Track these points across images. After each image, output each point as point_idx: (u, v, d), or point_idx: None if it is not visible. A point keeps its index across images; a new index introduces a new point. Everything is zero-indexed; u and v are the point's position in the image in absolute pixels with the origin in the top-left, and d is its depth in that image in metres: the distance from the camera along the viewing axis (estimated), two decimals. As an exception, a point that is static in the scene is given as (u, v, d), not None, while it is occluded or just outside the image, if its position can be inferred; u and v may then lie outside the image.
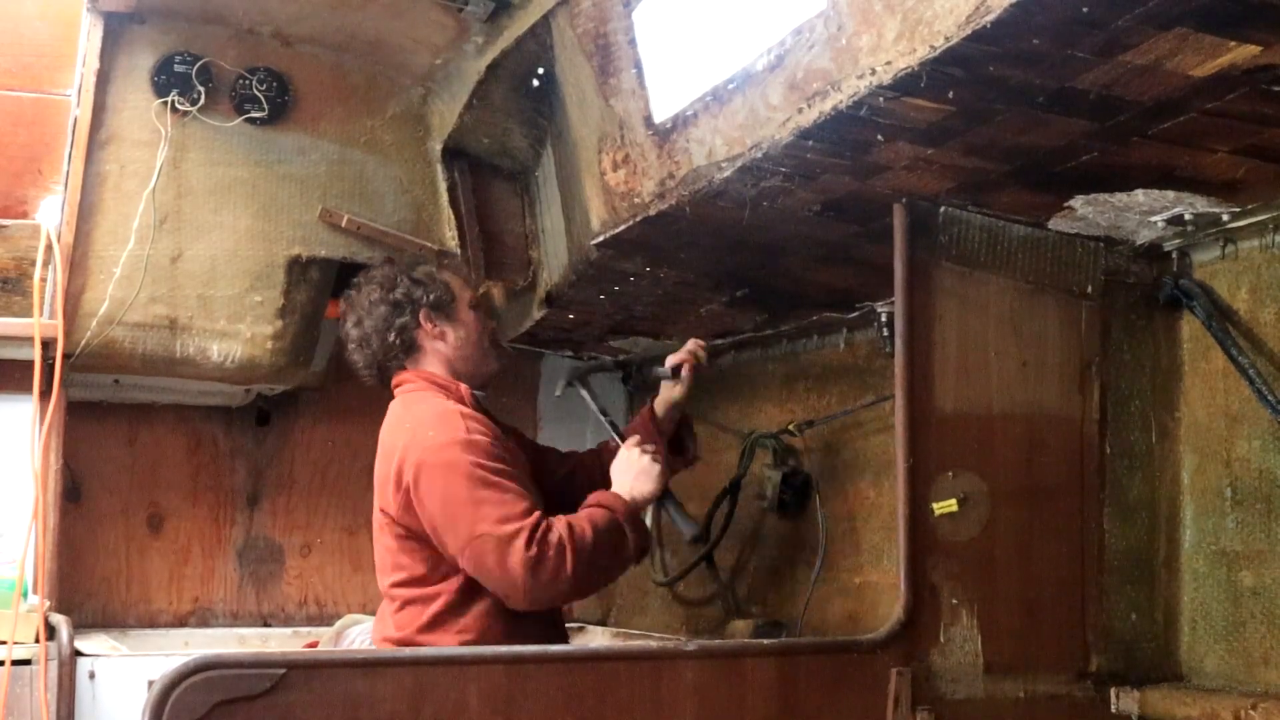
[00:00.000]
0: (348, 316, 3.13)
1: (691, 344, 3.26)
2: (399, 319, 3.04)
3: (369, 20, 3.40)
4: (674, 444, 3.28)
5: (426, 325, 3.05)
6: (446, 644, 2.79)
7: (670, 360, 3.24)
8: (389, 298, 3.05)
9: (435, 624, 2.82)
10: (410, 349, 3.06)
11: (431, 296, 3.05)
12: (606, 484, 3.00)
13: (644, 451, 3.00)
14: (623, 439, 3.14)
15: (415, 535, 2.85)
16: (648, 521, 4.07)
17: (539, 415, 4.33)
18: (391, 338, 3.04)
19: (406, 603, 2.87)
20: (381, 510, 2.93)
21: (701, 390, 3.93)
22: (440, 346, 3.06)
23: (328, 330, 3.88)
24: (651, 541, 3.03)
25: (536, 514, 2.74)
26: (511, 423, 3.36)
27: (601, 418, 3.27)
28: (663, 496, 3.04)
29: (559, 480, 3.24)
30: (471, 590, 2.81)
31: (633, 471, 2.96)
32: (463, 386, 3.02)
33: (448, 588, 2.83)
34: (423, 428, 2.85)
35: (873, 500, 3.33)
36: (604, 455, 3.22)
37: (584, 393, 3.30)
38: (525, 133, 3.57)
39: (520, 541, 2.68)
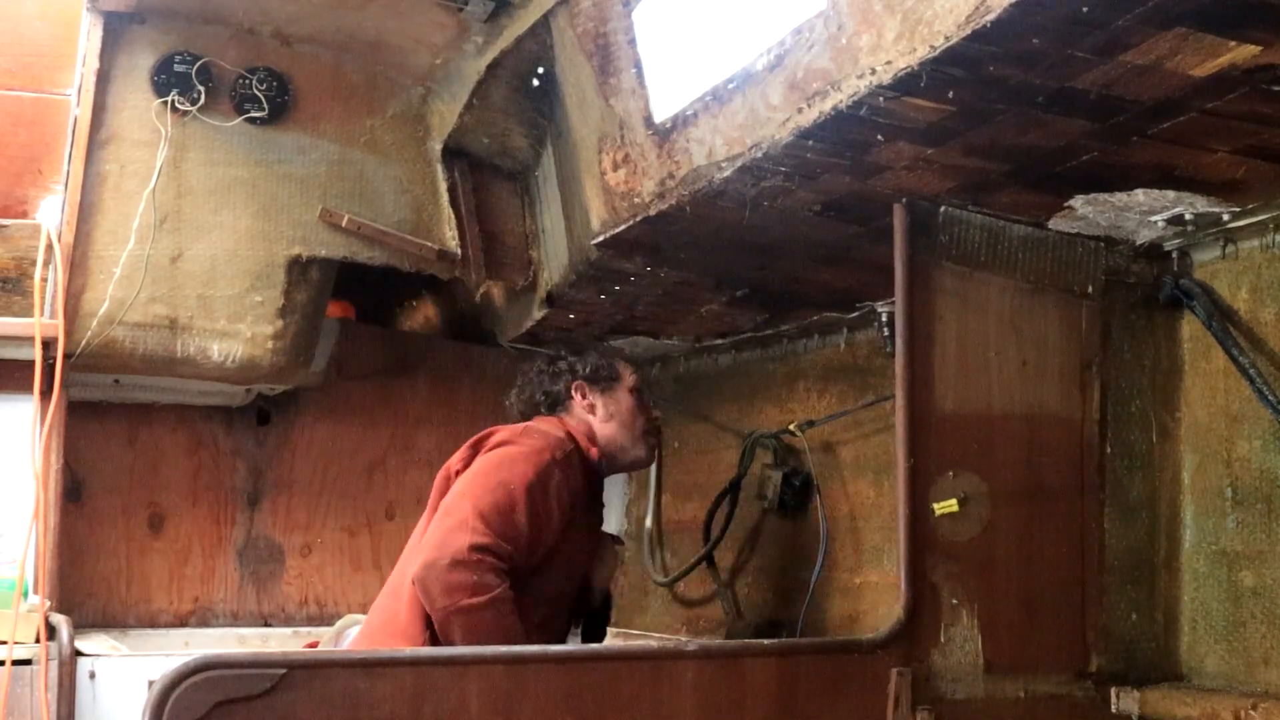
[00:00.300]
0: (513, 388, 3.29)
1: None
2: (552, 386, 3.18)
3: (369, 20, 3.40)
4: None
5: (577, 396, 3.16)
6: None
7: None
8: (550, 369, 3.20)
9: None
10: (555, 407, 3.17)
11: (588, 369, 3.16)
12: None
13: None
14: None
15: None
16: (648, 523, 4.10)
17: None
18: (537, 396, 3.18)
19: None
20: (454, 473, 2.99)
21: (702, 390, 3.93)
22: (588, 418, 3.16)
23: (328, 330, 3.89)
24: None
25: (509, 550, 2.78)
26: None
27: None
28: None
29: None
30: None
31: None
32: (594, 450, 3.09)
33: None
34: (529, 433, 2.97)
35: (873, 500, 3.33)
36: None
37: None
38: (525, 133, 3.57)
39: (470, 548, 2.73)
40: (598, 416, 3.16)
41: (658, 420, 3.31)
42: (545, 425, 3.08)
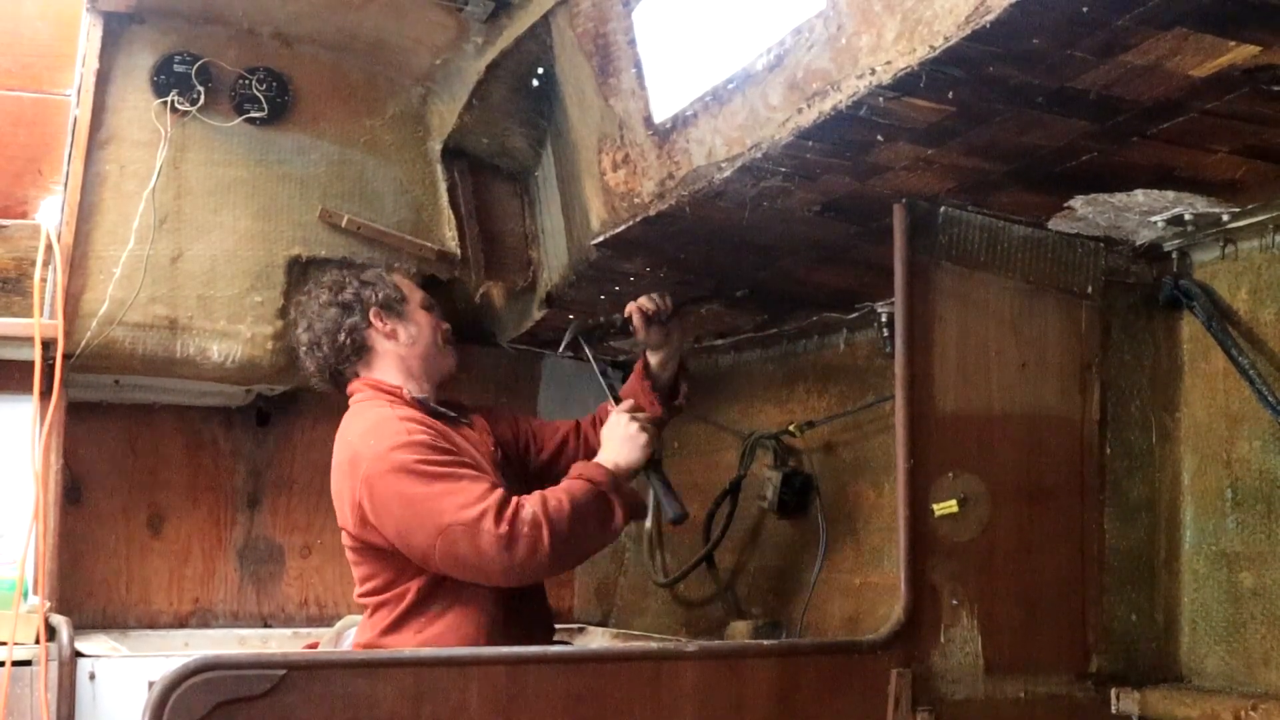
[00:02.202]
0: (298, 322, 3.17)
1: (640, 301, 3.14)
2: (348, 319, 3.06)
3: (369, 20, 3.40)
4: (670, 391, 3.24)
5: (377, 324, 3.06)
6: (407, 643, 2.80)
7: (625, 310, 3.15)
8: (338, 299, 3.08)
9: (399, 624, 2.85)
10: (361, 350, 3.06)
11: (380, 295, 3.06)
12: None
13: (633, 418, 2.95)
14: (619, 401, 3.09)
15: (374, 549, 2.86)
16: (648, 523, 4.09)
17: (539, 415, 4.33)
18: (342, 338, 3.05)
19: (376, 608, 2.91)
20: (342, 528, 2.95)
21: (702, 390, 3.93)
22: (392, 345, 3.07)
23: (328, 330, 3.88)
24: (646, 507, 2.97)
25: (499, 492, 2.71)
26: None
27: (600, 379, 3.20)
28: (650, 467, 2.98)
29: (552, 451, 3.25)
30: (434, 589, 2.83)
31: (618, 438, 2.92)
32: (406, 392, 3.01)
33: (413, 586, 2.84)
34: (364, 440, 2.85)
35: (873, 501, 3.33)
36: (600, 420, 3.20)
37: (587, 350, 3.22)
38: (525, 133, 3.57)
39: (488, 522, 2.65)
40: (400, 341, 3.06)
41: (448, 329, 3.19)
42: (358, 415, 2.94)
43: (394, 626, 2.85)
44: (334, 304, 3.08)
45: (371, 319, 3.06)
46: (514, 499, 2.71)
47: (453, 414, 3.06)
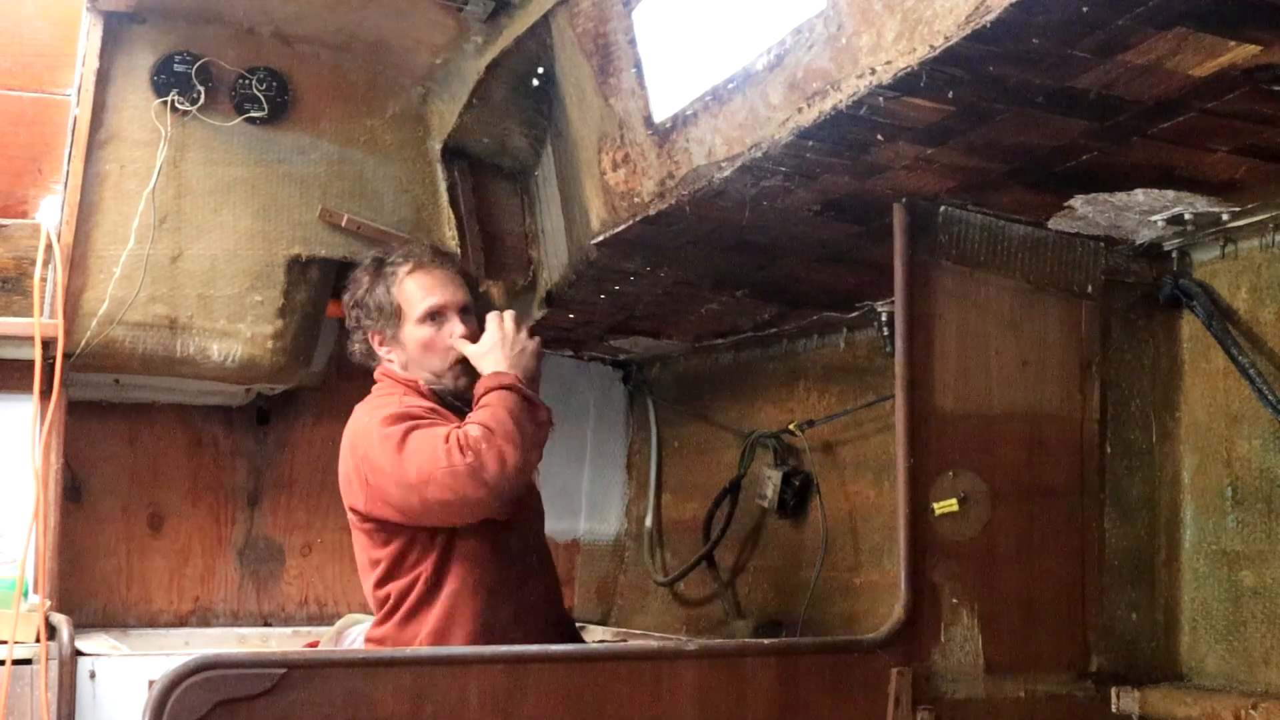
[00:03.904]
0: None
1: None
2: (355, 343, 3.13)
3: (369, 20, 3.40)
4: None
5: (376, 346, 3.09)
6: (414, 634, 2.85)
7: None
8: (350, 315, 3.12)
9: (412, 614, 2.87)
10: (374, 356, 3.11)
11: (378, 322, 3.05)
12: None
13: (516, 326, 2.96)
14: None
15: (382, 524, 2.90)
16: (648, 523, 4.10)
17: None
18: (358, 356, 3.14)
19: (386, 599, 2.92)
20: (350, 509, 2.97)
21: (702, 390, 3.93)
22: (396, 356, 3.07)
23: (328, 330, 3.88)
24: (548, 411, 2.97)
25: (453, 432, 2.76)
26: None
27: None
28: None
29: None
30: (441, 573, 2.86)
31: (506, 349, 2.93)
32: (422, 383, 3.02)
33: (421, 574, 2.87)
34: (362, 419, 2.93)
35: (873, 500, 3.33)
36: None
37: None
38: (525, 132, 3.57)
39: (454, 458, 2.70)
40: (397, 363, 3.06)
41: (463, 335, 3.04)
42: (367, 402, 3.03)
43: (409, 617, 2.88)
44: (349, 318, 3.13)
45: (371, 341, 3.09)
46: (460, 430, 2.77)
47: (467, 409, 3.05)
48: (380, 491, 2.83)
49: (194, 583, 3.97)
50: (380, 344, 3.07)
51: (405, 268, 3.07)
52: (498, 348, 2.94)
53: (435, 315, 3.02)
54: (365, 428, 2.89)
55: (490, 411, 2.80)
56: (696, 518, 3.86)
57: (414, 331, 3.02)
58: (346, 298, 3.14)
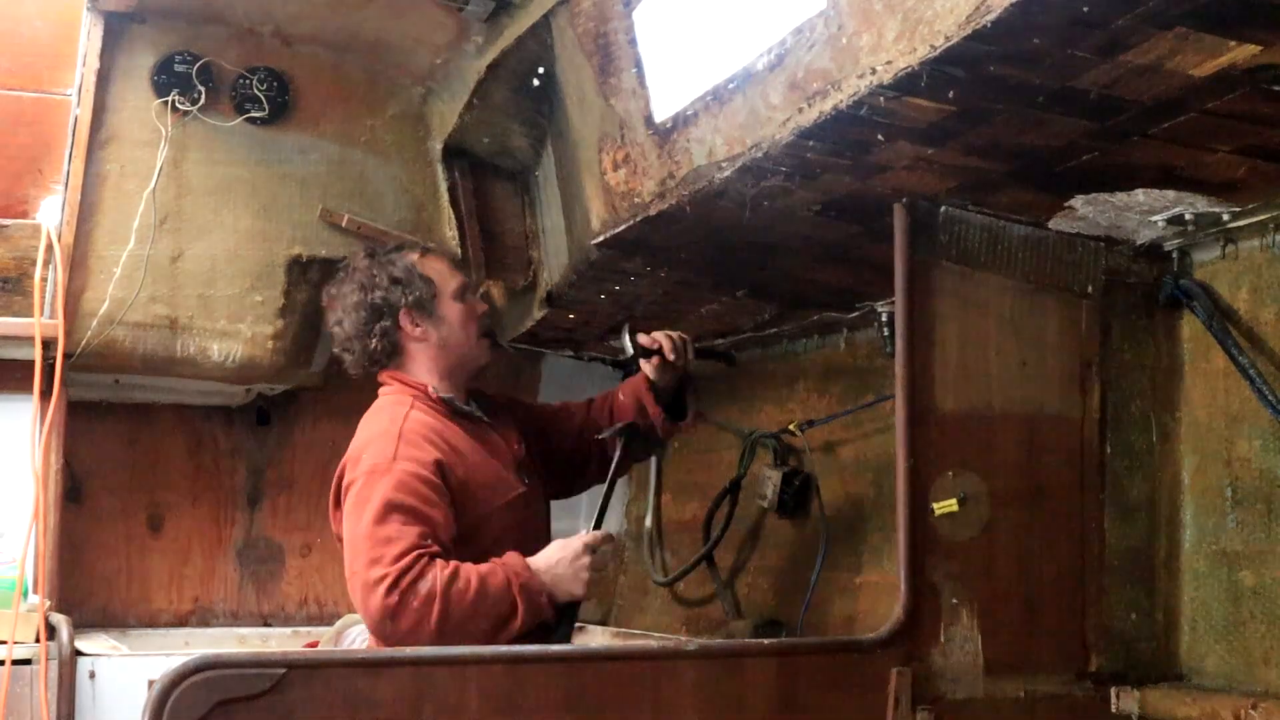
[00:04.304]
0: (330, 313, 3.11)
1: (667, 339, 3.11)
2: (379, 323, 3.00)
3: (369, 20, 3.40)
4: (672, 407, 3.22)
5: (407, 327, 3.01)
6: None
7: (642, 341, 3.11)
8: (368, 300, 3.00)
9: None
10: (393, 352, 3.03)
11: (411, 296, 3.00)
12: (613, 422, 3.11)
13: (586, 549, 2.86)
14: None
15: None
16: (648, 523, 4.10)
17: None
18: (374, 344, 3.01)
19: None
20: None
21: (702, 390, 3.93)
22: (423, 346, 3.03)
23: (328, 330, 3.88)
24: (549, 630, 2.87)
25: (411, 557, 2.65)
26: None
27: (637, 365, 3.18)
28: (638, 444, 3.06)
29: (573, 436, 3.25)
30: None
31: (568, 562, 2.84)
32: (432, 390, 2.98)
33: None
34: (363, 448, 2.85)
35: (873, 500, 3.33)
36: (614, 403, 3.22)
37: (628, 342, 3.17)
38: (525, 133, 3.57)
39: (382, 588, 2.63)
40: (432, 342, 3.01)
41: (487, 314, 3.14)
42: (376, 414, 2.95)
43: None
44: (364, 305, 3.01)
45: (402, 322, 3.01)
46: (422, 566, 2.65)
47: (478, 414, 3.04)
48: (344, 545, 2.81)
49: (194, 583, 3.97)
50: (414, 323, 3.00)
51: (414, 254, 3.08)
52: (562, 557, 2.85)
53: (466, 292, 3.07)
54: (362, 470, 2.79)
55: (473, 581, 2.67)
56: (696, 518, 3.86)
57: (454, 306, 3.03)
58: (347, 291, 3.04)
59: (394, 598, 2.62)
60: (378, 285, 3.01)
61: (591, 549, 2.87)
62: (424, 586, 2.64)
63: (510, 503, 2.95)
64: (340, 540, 2.89)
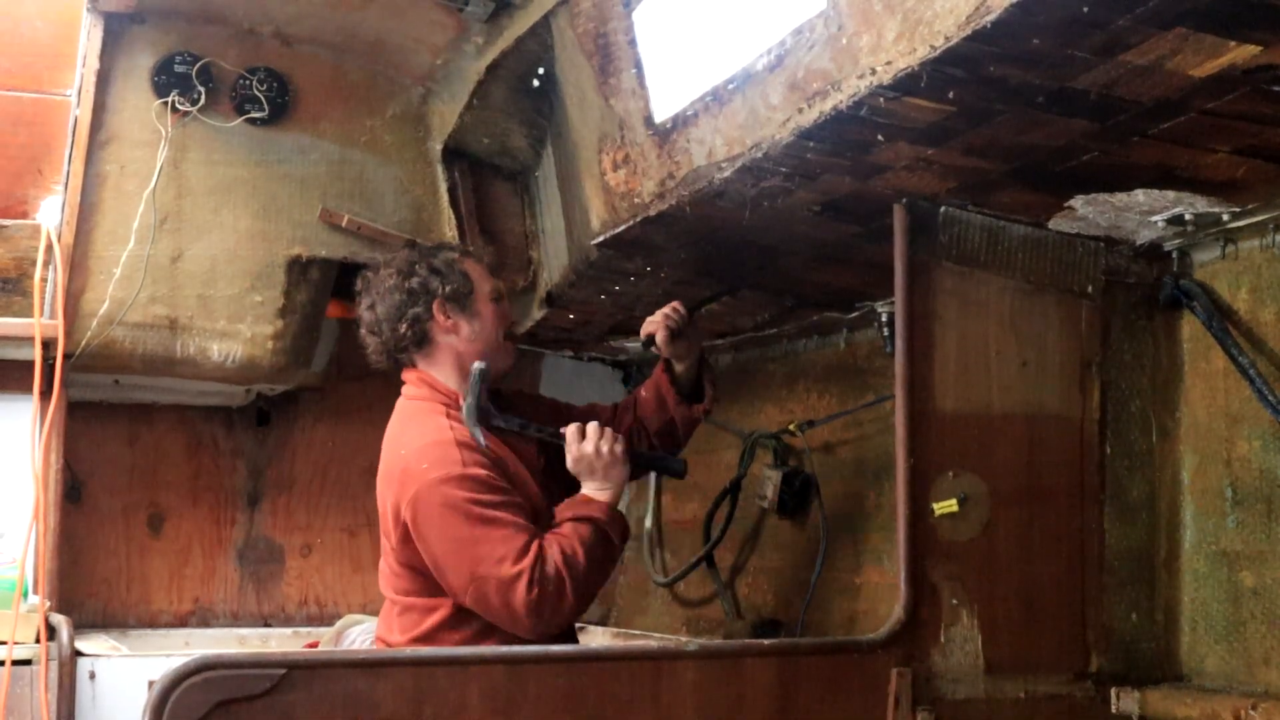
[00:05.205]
0: (363, 298, 3.06)
1: (664, 310, 3.10)
2: (412, 309, 2.96)
3: (369, 20, 3.40)
4: (694, 392, 3.20)
5: (440, 317, 2.97)
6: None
7: (643, 331, 3.12)
8: (405, 285, 2.97)
9: (431, 637, 2.82)
10: (422, 341, 2.99)
11: (449, 288, 2.97)
12: (656, 418, 3.12)
13: (606, 435, 2.90)
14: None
15: (415, 567, 2.84)
16: (648, 523, 4.10)
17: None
18: (403, 329, 2.97)
19: (406, 609, 2.88)
20: (384, 535, 2.92)
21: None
22: (452, 340, 2.99)
23: (328, 330, 3.89)
24: (629, 529, 2.97)
25: (535, 548, 2.72)
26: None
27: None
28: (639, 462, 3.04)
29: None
30: (468, 610, 2.80)
31: (604, 465, 2.89)
32: (462, 395, 2.96)
33: (447, 602, 2.82)
34: (418, 459, 2.81)
35: (873, 500, 3.33)
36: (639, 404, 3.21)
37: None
38: (525, 133, 3.58)
39: (522, 584, 2.68)
40: (462, 336, 2.98)
41: (515, 323, 3.20)
42: (414, 420, 2.93)
43: (428, 637, 2.83)
44: (400, 289, 2.98)
45: (435, 311, 2.97)
46: (540, 551, 2.72)
47: (501, 424, 2.99)
48: (424, 550, 2.78)
49: (194, 583, 3.97)
50: (446, 315, 2.97)
51: (455, 253, 3.09)
52: (596, 465, 2.89)
53: (500, 297, 3.08)
54: (425, 480, 2.77)
55: (576, 547, 2.76)
56: (696, 518, 3.86)
57: (488, 305, 3.03)
58: (384, 275, 3.01)
59: (535, 591, 2.69)
60: (417, 273, 2.99)
61: (605, 434, 2.91)
62: (550, 570, 2.72)
63: (538, 510, 2.93)
64: (393, 537, 2.85)
